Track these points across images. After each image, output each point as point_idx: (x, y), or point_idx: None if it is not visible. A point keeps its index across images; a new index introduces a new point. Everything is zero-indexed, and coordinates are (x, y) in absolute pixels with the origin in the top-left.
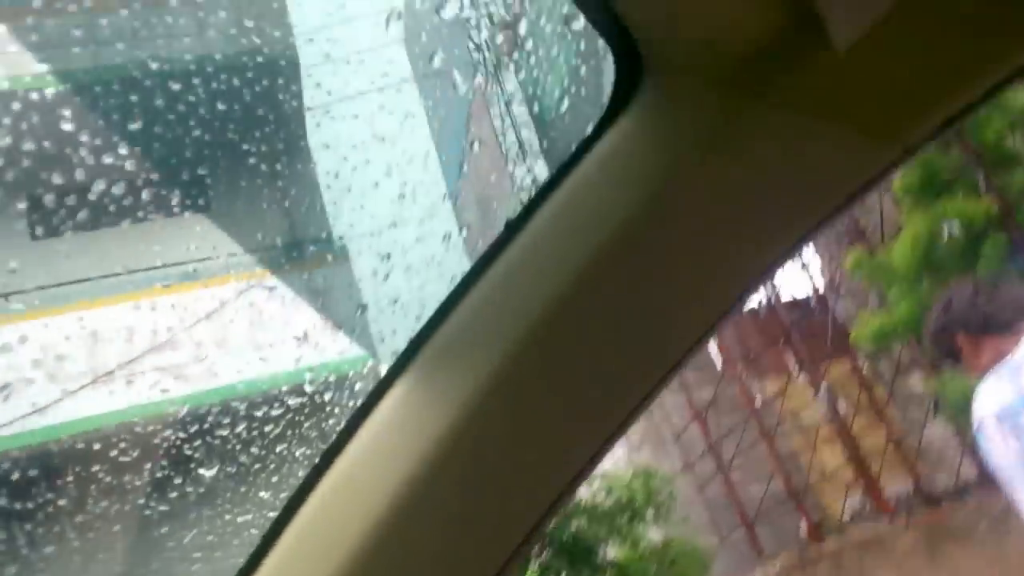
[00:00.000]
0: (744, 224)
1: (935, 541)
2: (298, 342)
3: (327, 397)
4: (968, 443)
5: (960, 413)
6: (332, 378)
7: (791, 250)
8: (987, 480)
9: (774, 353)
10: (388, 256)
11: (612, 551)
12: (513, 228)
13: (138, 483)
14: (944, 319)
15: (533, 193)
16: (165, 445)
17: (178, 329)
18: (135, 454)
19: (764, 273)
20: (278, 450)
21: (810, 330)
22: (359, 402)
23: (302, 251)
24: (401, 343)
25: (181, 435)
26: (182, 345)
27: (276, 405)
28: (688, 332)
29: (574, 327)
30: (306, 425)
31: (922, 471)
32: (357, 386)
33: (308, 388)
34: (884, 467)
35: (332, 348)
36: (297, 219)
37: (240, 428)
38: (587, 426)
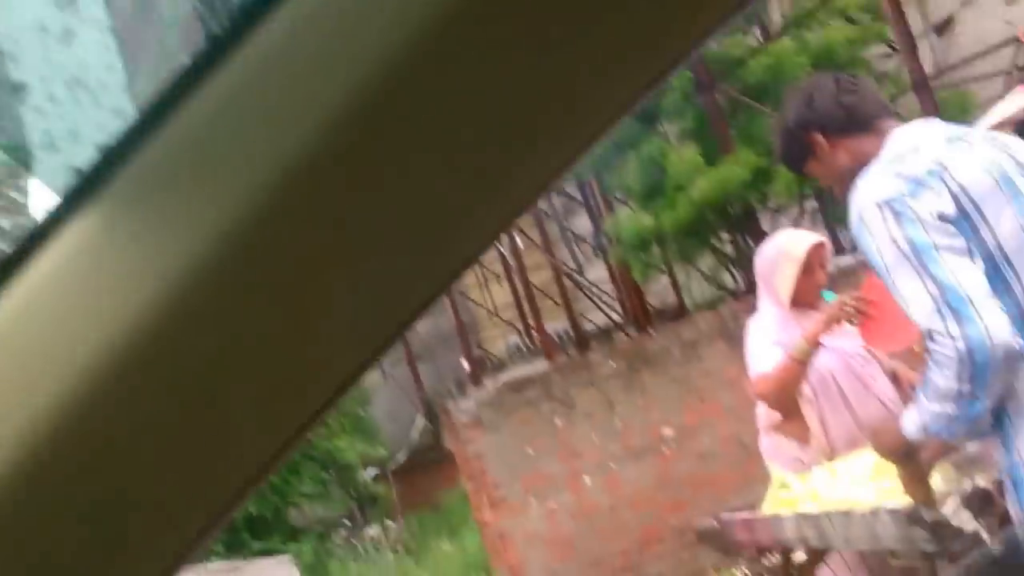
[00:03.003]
0: None
1: (634, 367)
2: None
3: None
4: (629, 282)
5: (629, 252)
6: None
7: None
8: (645, 315)
9: None
10: None
11: None
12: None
13: None
14: (803, 114)
15: None
16: None
17: None
18: None
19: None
20: None
21: None
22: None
23: None
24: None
25: None
26: None
27: None
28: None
29: None
30: None
31: (581, 309)
32: None
33: None
34: (547, 305)
35: None
36: None
37: None
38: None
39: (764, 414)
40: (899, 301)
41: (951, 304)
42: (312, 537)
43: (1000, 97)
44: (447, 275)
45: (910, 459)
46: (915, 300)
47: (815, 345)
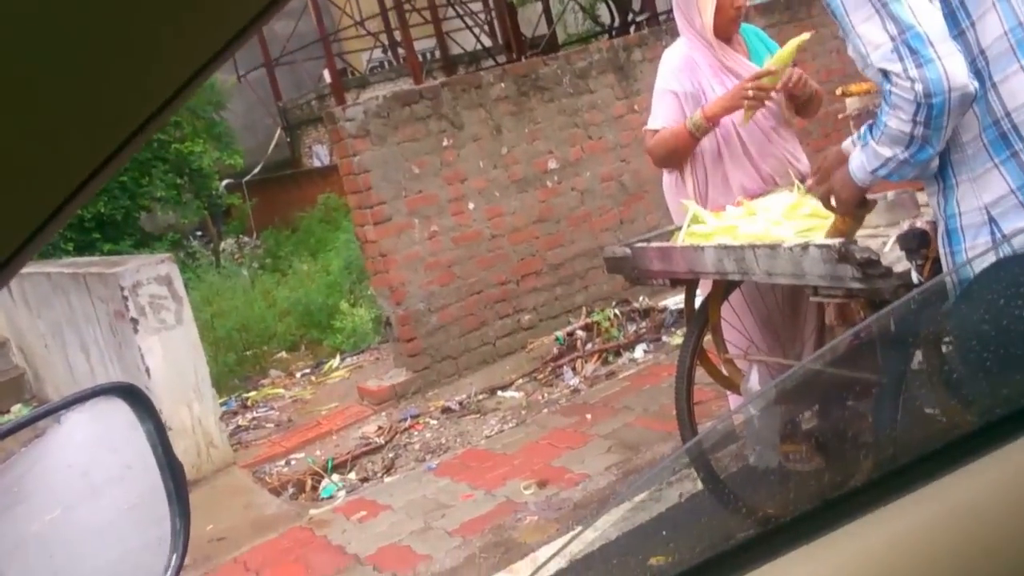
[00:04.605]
0: None
1: (523, 91)
2: None
3: None
4: (503, 5)
5: None
6: None
7: None
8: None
9: None
10: None
11: None
12: None
13: None
14: None
15: None
16: None
17: None
18: None
19: None
20: None
21: None
22: None
23: None
24: None
25: None
26: None
27: None
28: None
29: None
30: None
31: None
32: None
33: None
34: (413, 21)
35: None
36: None
37: None
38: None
39: None
40: (856, 48)
41: (910, 44)
42: (165, 244)
43: None
44: None
45: (855, 205)
46: (873, 41)
47: (713, 123)
